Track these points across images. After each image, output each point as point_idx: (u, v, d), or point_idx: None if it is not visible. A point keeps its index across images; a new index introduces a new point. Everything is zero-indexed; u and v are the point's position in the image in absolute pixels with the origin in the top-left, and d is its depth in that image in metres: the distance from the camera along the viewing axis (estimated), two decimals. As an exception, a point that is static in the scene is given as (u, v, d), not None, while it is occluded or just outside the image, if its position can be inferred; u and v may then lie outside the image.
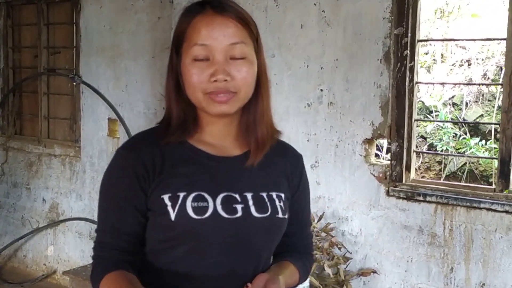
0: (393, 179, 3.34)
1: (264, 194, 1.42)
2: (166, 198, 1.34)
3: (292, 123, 3.60)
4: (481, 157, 5.13)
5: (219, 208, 1.35)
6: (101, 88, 4.69)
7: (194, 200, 1.33)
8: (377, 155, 4.03)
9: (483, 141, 5.27)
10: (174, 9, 3.96)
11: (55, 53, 5.16)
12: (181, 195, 1.34)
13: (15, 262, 5.44)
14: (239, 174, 1.43)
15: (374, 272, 3.39)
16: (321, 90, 3.54)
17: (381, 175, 3.38)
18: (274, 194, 1.44)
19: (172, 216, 1.32)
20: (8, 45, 5.44)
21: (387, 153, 4.83)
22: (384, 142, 4.69)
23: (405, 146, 3.32)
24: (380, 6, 3.30)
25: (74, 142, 4.98)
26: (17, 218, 5.43)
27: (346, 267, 3.43)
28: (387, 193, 3.35)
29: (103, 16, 4.66)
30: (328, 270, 3.30)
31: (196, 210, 1.32)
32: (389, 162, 3.39)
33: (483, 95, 5.61)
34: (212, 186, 1.37)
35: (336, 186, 3.51)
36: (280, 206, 1.43)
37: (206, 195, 1.35)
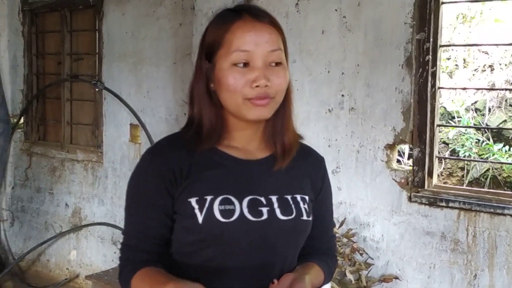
0: (415, 185, 3.32)
1: (289, 197, 1.44)
2: (193, 201, 1.36)
3: (313, 129, 3.59)
4: (505, 163, 5.08)
5: (245, 211, 1.37)
6: (123, 94, 4.73)
7: (221, 203, 1.36)
8: (398, 161, 4.00)
9: (507, 147, 5.21)
10: (195, 16, 3.98)
11: (78, 60, 5.21)
12: (208, 198, 1.36)
13: (39, 266, 5.49)
14: (264, 177, 1.45)
15: (396, 278, 3.37)
16: (342, 95, 3.53)
17: (403, 180, 3.36)
18: (298, 197, 1.46)
19: (200, 219, 1.34)
20: (32, 52, 5.50)
21: (408, 158, 4.80)
22: (405, 148, 4.65)
23: (427, 151, 3.29)
24: (402, 11, 3.29)
25: (96, 148, 5.02)
26: (40, 223, 5.48)
27: (368, 273, 3.41)
28: (409, 198, 3.33)
29: (125, 23, 4.70)
30: (350, 276, 3.29)
31: (223, 213, 1.35)
32: (411, 167, 3.37)
33: (506, 101, 5.56)
34: (238, 189, 1.39)
35: (357, 192, 3.49)
36: (305, 208, 1.46)
37: (232, 198, 1.37)
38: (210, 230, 1.34)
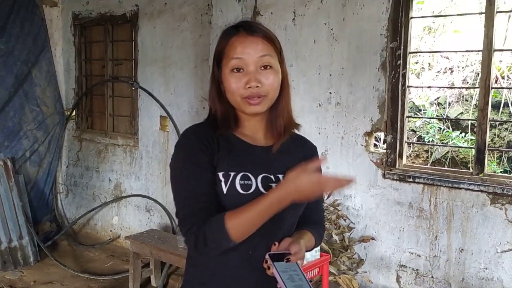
0: (388, 164, 3.32)
1: None
2: (220, 175, 1.37)
3: (306, 120, 3.59)
4: (461, 147, 5.06)
5: (260, 185, 1.38)
6: (154, 91, 4.73)
7: (241, 178, 1.37)
8: (375, 145, 3.99)
9: (463, 134, 5.19)
10: (212, 29, 3.97)
11: (118, 64, 5.20)
12: (232, 174, 1.37)
13: (88, 229, 5.53)
14: (272, 159, 1.46)
15: (373, 239, 3.38)
16: (330, 92, 3.52)
17: (378, 161, 3.36)
18: None
19: (225, 190, 1.35)
20: (82, 58, 5.50)
21: (383, 143, 4.79)
22: (381, 135, 4.65)
23: (398, 138, 3.29)
24: (378, 24, 3.27)
25: (133, 135, 5.02)
26: (89, 195, 5.51)
27: (350, 235, 3.42)
28: (383, 175, 3.33)
29: (156, 35, 4.68)
30: (335, 237, 3.30)
31: (243, 186, 1.36)
32: (385, 151, 3.36)
33: (463, 96, 5.52)
34: (254, 168, 1.41)
35: (342, 170, 3.49)
36: None
37: (250, 175, 1.39)
38: (232, 199, 1.35)
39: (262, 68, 1.40)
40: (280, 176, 1.43)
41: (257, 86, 1.38)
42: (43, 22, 5.35)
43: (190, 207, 1.34)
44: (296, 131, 1.57)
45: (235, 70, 1.39)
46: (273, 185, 1.40)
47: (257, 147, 1.47)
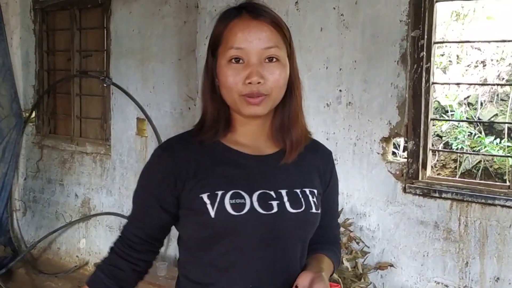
0: (409, 176, 3.31)
1: (298, 190, 1.43)
2: (205, 197, 1.34)
3: (312, 122, 3.58)
4: (496, 155, 5.06)
5: (255, 204, 1.35)
6: (130, 89, 4.72)
7: (232, 197, 1.34)
8: (393, 153, 3.99)
9: (498, 140, 5.20)
10: (199, 14, 3.97)
11: (87, 56, 5.21)
12: (219, 193, 1.34)
13: (50, 254, 5.50)
14: (273, 172, 1.43)
15: (391, 265, 3.37)
16: (340, 90, 3.52)
17: (398, 172, 3.35)
18: (307, 190, 1.45)
19: (212, 213, 1.33)
20: (43, 49, 5.50)
21: (403, 151, 4.78)
22: (400, 141, 4.64)
23: (421, 144, 3.29)
24: (397, 9, 3.27)
25: (104, 141, 5.02)
26: (51, 213, 5.49)
27: (364, 261, 3.41)
28: (404, 189, 3.32)
29: (132, 21, 4.69)
30: (347, 264, 3.28)
31: (234, 206, 1.33)
32: (405, 160, 3.36)
33: (497, 95, 5.53)
34: (248, 184, 1.38)
35: (354, 183, 3.49)
36: (314, 201, 1.44)
37: (242, 193, 1.36)
38: (222, 223, 1.33)
39: (267, 60, 1.36)
40: (283, 191, 1.41)
41: (259, 82, 1.34)
42: (-3, 6, 5.35)
43: (124, 231, 1.48)
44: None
45: (233, 61, 1.35)
46: (274, 203, 1.37)
47: (252, 156, 1.44)
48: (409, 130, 3.30)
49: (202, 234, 1.37)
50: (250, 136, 1.45)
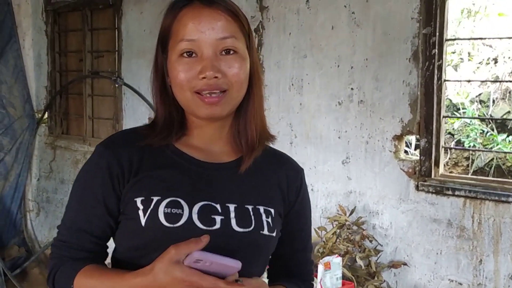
0: (422, 174, 3.30)
1: (250, 207, 1.24)
2: (138, 201, 1.18)
3: (323, 121, 3.58)
4: (508, 153, 5.04)
5: (194, 217, 1.17)
6: (142, 89, 4.73)
7: (167, 205, 1.17)
8: (406, 151, 3.98)
9: (510, 137, 5.17)
10: (210, 13, 3.97)
11: (99, 57, 5.22)
12: (155, 199, 1.18)
13: (63, 253, 5.53)
14: (224, 182, 1.25)
15: (405, 264, 3.36)
16: (352, 88, 3.51)
17: (410, 170, 3.34)
18: (261, 208, 1.25)
19: (143, 221, 1.17)
20: (55, 50, 5.52)
21: (415, 149, 4.78)
22: (412, 139, 4.63)
23: (433, 142, 3.28)
24: (409, 6, 3.26)
25: (117, 141, 5.02)
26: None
27: (377, 259, 3.41)
28: (417, 187, 3.31)
29: (143, 21, 4.70)
30: (360, 262, 3.28)
31: (168, 216, 1.16)
32: (418, 157, 3.35)
33: (509, 92, 5.51)
34: (191, 193, 1.20)
35: (366, 181, 3.48)
36: (268, 221, 1.24)
37: (182, 202, 1.18)
38: (153, 234, 1.16)
39: (223, 53, 1.19)
40: (232, 206, 1.21)
41: (216, 77, 1.17)
42: (9, 8, 5.37)
43: (64, 237, 1.27)
44: (270, 145, 1.36)
45: (185, 55, 1.19)
46: (217, 218, 1.19)
47: (204, 163, 1.25)
48: (421, 128, 3.29)
49: (134, 243, 1.20)
50: (206, 141, 1.28)
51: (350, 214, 3.45)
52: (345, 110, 3.55)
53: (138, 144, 1.24)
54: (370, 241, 3.40)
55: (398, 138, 3.39)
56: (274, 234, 1.26)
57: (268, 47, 3.87)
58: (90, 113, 5.30)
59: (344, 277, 3.11)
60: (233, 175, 1.26)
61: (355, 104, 3.50)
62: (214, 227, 1.18)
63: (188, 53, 1.19)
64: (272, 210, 1.27)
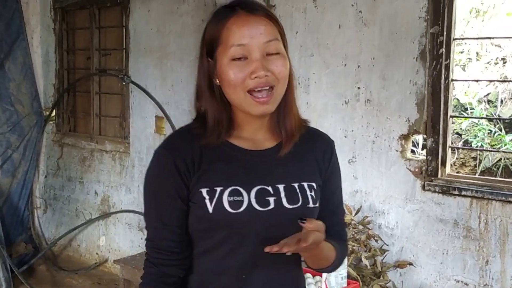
0: (428, 174, 3.29)
1: (296, 185, 1.43)
2: (204, 191, 1.37)
3: (330, 120, 3.58)
4: (516, 153, 5.01)
5: (253, 201, 1.37)
6: (149, 87, 4.74)
7: (230, 194, 1.36)
8: (412, 151, 3.97)
9: (518, 137, 5.15)
10: (217, 12, 3.97)
11: (106, 55, 5.24)
12: (218, 189, 1.37)
13: (70, 251, 5.55)
14: (272, 166, 1.44)
15: (410, 264, 3.35)
16: (358, 88, 3.51)
17: (417, 170, 3.33)
18: (305, 184, 1.45)
19: (210, 209, 1.36)
20: (63, 48, 5.54)
21: (422, 149, 4.76)
22: (419, 138, 4.61)
23: (440, 141, 3.27)
24: (416, 5, 3.25)
25: (123, 139, 5.04)
26: (71, 210, 5.54)
27: (383, 259, 3.40)
28: (423, 187, 3.30)
29: (150, 19, 4.70)
30: (366, 262, 3.28)
31: (232, 204, 1.35)
32: (424, 157, 3.34)
33: (518, 92, 5.48)
34: (246, 180, 1.39)
35: (373, 181, 3.47)
36: (311, 195, 1.44)
37: (241, 189, 1.38)
38: (220, 219, 1.36)
39: (268, 54, 1.37)
40: (281, 186, 1.42)
41: (266, 76, 1.35)
42: (17, 5, 5.39)
43: (152, 235, 1.46)
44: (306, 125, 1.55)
45: (236, 60, 1.36)
46: (271, 199, 1.39)
47: (252, 152, 1.45)
48: (428, 128, 3.28)
49: (200, 226, 1.41)
50: (252, 132, 1.46)
51: (356, 213, 3.44)
52: (351, 109, 3.54)
53: (196, 143, 1.42)
54: (376, 241, 3.40)
55: (405, 137, 3.38)
56: (317, 205, 1.46)
57: (275, 45, 3.86)
58: (98, 111, 5.32)
59: (349, 276, 3.11)
60: (277, 159, 1.45)
61: (362, 104, 3.50)
62: (269, 207, 1.38)
63: (238, 58, 1.35)
64: (314, 184, 1.47)
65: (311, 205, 1.43)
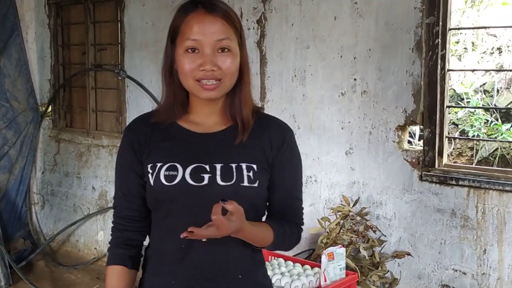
0: (425, 164, 3.30)
1: (234, 165, 1.54)
2: (149, 167, 1.56)
3: (326, 112, 3.58)
4: (513, 142, 5.02)
5: (187, 176, 1.51)
6: (145, 81, 4.74)
7: (167, 169, 1.53)
8: (409, 142, 3.98)
9: (515, 127, 5.15)
10: (212, 5, 3.96)
11: (101, 50, 5.22)
12: (158, 165, 1.54)
13: (68, 246, 5.55)
14: (215, 147, 1.58)
15: (408, 254, 3.37)
16: (355, 79, 3.51)
17: (414, 160, 3.34)
18: (244, 165, 1.55)
19: (151, 181, 1.54)
20: (58, 43, 5.52)
21: (419, 139, 4.76)
22: (416, 129, 4.62)
23: (437, 132, 3.27)
24: (412, -4, 3.25)
25: (120, 134, 5.03)
26: (69, 205, 5.54)
27: (381, 249, 3.41)
28: (420, 177, 3.31)
29: (145, 14, 4.69)
30: (364, 252, 3.29)
31: (167, 178, 1.52)
32: (421, 148, 3.35)
33: (514, 82, 5.48)
34: (185, 158, 1.55)
35: (370, 172, 3.48)
36: (248, 175, 1.54)
37: (178, 165, 1.53)
38: (158, 191, 1.53)
39: (219, 50, 1.51)
40: (218, 165, 1.53)
41: (213, 70, 1.50)
42: (12, 1, 5.38)
43: (116, 203, 1.67)
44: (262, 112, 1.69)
45: (189, 51, 1.51)
46: (206, 176, 1.51)
47: (200, 134, 1.60)
48: (424, 118, 3.29)
49: (149, 198, 1.58)
50: (204, 115, 1.61)
51: (354, 204, 3.46)
52: (348, 100, 3.54)
53: (150, 122, 1.62)
54: (374, 232, 3.41)
55: (402, 128, 3.39)
56: (255, 185, 1.54)
57: (271, 38, 3.86)
58: (94, 106, 5.31)
59: (347, 267, 3.12)
60: (224, 141, 1.59)
61: (358, 95, 3.50)
62: (203, 183, 1.51)
63: (192, 49, 1.51)
64: (255, 166, 1.56)
65: (245, 183, 1.52)
